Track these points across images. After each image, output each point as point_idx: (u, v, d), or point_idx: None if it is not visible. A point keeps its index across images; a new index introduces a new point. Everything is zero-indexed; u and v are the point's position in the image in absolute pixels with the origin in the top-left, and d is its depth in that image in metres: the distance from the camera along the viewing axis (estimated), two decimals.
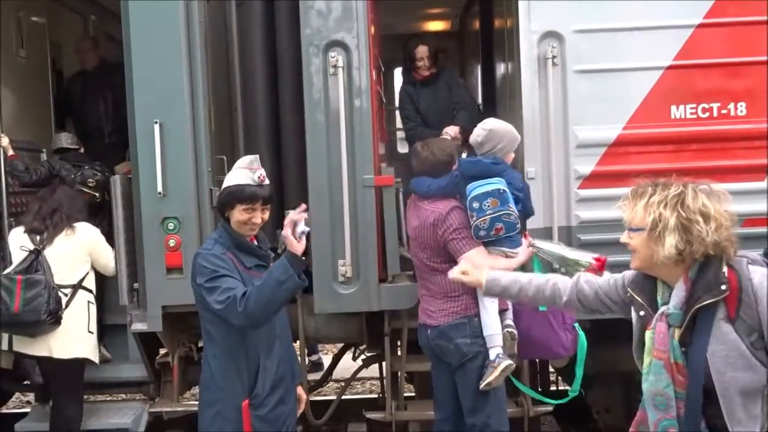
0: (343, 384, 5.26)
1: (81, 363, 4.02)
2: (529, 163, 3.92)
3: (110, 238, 4.18)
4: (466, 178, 3.37)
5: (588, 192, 3.90)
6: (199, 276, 2.63)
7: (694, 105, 3.86)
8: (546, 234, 3.91)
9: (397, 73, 6.50)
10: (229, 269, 2.62)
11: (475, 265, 2.70)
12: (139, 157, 3.94)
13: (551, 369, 5.29)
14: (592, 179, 3.90)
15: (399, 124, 6.74)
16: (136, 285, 4.06)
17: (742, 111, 3.84)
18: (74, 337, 3.94)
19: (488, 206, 3.24)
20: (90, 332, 4.00)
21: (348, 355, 5.15)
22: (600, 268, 2.98)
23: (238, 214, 2.68)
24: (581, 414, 5.24)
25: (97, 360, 4.10)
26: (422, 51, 4.90)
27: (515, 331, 3.42)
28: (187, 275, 3.82)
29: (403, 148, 6.68)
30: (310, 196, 3.97)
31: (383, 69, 5.14)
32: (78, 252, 4.03)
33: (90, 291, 4.07)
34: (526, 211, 3.59)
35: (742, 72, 3.85)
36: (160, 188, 3.88)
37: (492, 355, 3.35)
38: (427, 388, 4.52)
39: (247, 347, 2.69)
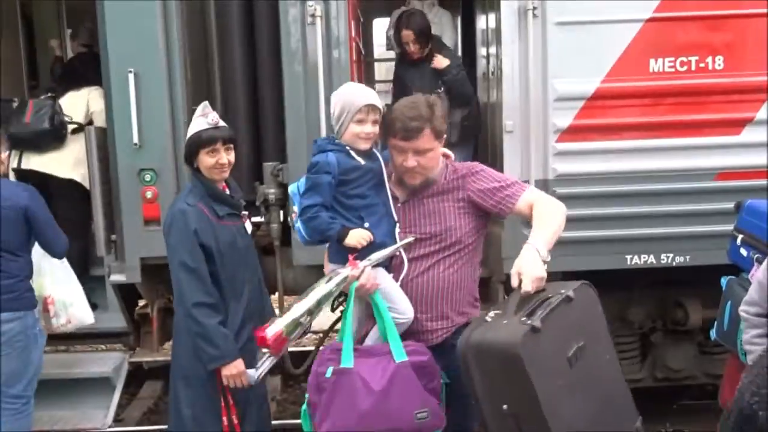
0: (321, 335, 5.33)
1: (78, 189, 4.41)
2: (508, 116, 3.92)
3: None
4: None
5: (565, 145, 3.92)
6: (170, 236, 2.80)
7: (672, 58, 3.86)
8: None
9: (376, 24, 6.40)
10: (199, 224, 2.76)
11: None
12: (114, 107, 3.88)
13: None
14: (570, 132, 3.91)
15: (378, 76, 6.70)
16: (113, 236, 4.04)
17: (719, 65, 3.85)
18: (75, 162, 4.42)
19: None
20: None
21: (326, 308, 5.20)
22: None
23: (204, 160, 2.80)
24: None
25: (87, 184, 4.38)
26: (406, 35, 4.61)
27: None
28: None
29: (382, 100, 6.64)
30: (288, 147, 3.95)
31: (362, 19, 5.06)
32: (80, 101, 4.53)
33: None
34: None
35: (721, 26, 3.84)
36: (135, 139, 3.83)
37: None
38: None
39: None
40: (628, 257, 3.99)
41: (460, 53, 5.77)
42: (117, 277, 4.03)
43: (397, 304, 2.50)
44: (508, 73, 3.91)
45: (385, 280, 2.50)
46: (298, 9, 3.86)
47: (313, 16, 3.83)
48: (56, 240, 3.53)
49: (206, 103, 2.91)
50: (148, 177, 3.89)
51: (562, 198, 3.86)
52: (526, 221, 2.59)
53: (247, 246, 2.99)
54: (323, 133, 3.87)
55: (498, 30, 4.00)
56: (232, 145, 2.87)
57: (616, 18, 3.84)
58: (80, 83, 4.60)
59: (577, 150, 3.93)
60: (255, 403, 3.03)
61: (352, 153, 2.47)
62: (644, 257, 3.99)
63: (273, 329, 2.38)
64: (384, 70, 6.76)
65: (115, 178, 3.94)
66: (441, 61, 4.57)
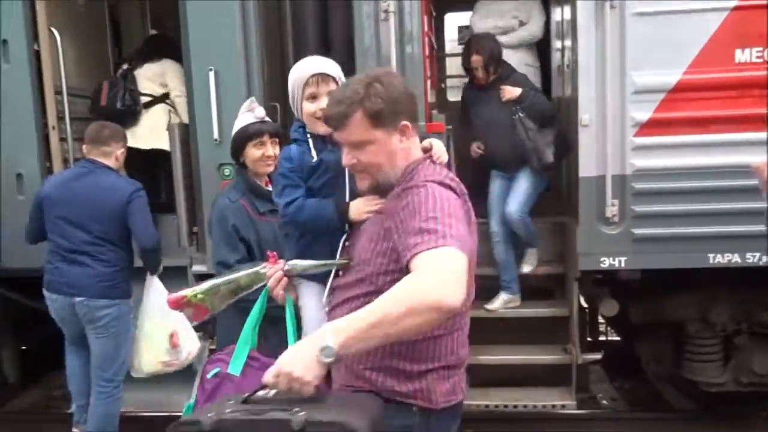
0: None
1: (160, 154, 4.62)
2: (584, 110, 3.84)
3: None
4: None
5: (644, 140, 3.81)
6: (213, 232, 2.89)
7: (760, 48, 3.68)
8: (600, 183, 3.86)
9: (449, 18, 6.37)
10: (236, 218, 2.79)
11: None
12: (196, 104, 4.04)
13: (600, 319, 5.29)
14: (650, 126, 3.80)
15: (449, 71, 6.66)
16: (195, 228, 4.20)
17: None
18: (152, 132, 4.62)
19: None
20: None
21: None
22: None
23: (251, 153, 2.85)
24: (630, 364, 5.25)
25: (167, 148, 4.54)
26: (475, 61, 4.40)
27: None
28: None
29: (453, 96, 6.60)
30: None
31: (434, 14, 5.06)
32: (156, 73, 4.73)
33: (172, 106, 4.72)
34: None
35: None
36: (216, 135, 3.98)
37: None
38: (475, 333, 4.58)
39: None
40: (711, 256, 3.84)
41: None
42: (198, 268, 4.19)
43: (308, 332, 2.03)
44: (584, 66, 3.84)
45: (306, 298, 2.08)
46: (372, 5, 3.90)
47: (386, 11, 3.87)
48: (146, 233, 3.68)
49: (253, 98, 3.02)
50: (227, 171, 4.02)
51: (641, 194, 3.83)
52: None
53: None
54: None
55: (573, 22, 3.93)
56: (277, 140, 2.91)
57: (699, 7, 3.70)
58: (158, 56, 4.81)
59: (656, 144, 3.81)
60: None
61: (310, 143, 2.06)
62: (728, 256, 3.83)
63: (176, 293, 2.18)
64: (456, 66, 6.73)
65: (197, 172, 4.09)
66: (512, 92, 4.31)
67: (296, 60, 4.34)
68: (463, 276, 1.57)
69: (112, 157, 3.71)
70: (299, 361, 1.51)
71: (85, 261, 3.60)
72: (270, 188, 2.94)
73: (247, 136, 2.84)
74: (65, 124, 4.53)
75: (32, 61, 4.27)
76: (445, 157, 1.90)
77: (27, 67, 4.25)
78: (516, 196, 4.40)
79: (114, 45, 5.66)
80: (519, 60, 4.82)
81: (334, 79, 2.01)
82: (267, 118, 2.93)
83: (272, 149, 2.86)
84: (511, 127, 4.30)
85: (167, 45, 4.83)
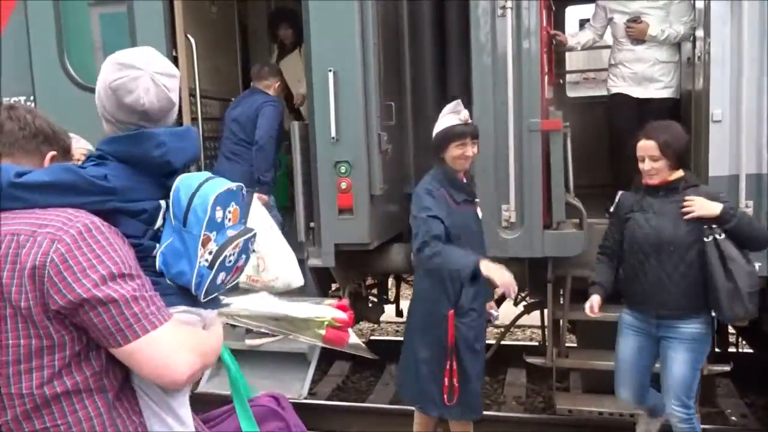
0: (502, 329, 5.32)
1: None
2: (716, 104, 3.60)
3: None
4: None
5: None
6: (414, 207, 3.18)
7: None
8: (732, 183, 3.61)
9: (570, 11, 6.17)
10: (438, 207, 3.09)
11: None
12: (315, 104, 4.17)
13: (731, 330, 4.94)
14: None
15: (569, 65, 6.44)
16: (312, 224, 4.36)
17: None
18: None
19: (231, 221, 1.69)
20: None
21: (508, 301, 5.17)
22: (350, 321, 2.02)
23: (452, 151, 3.19)
24: (764, 378, 4.86)
25: None
26: (645, 148, 3.03)
27: None
28: (357, 216, 4.11)
29: (572, 92, 6.39)
30: None
31: (554, 8, 4.92)
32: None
33: None
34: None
35: None
36: (333, 133, 4.10)
37: None
38: (589, 337, 4.44)
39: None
40: None
41: None
42: (314, 261, 4.34)
43: None
44: (718, 58, 3.60)
45: None
46: (489, 1, 3.86)
47: (503, 8, 3.82)
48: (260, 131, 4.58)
49: (459, 101, 3.26)
50: (343, 168, 4.14)
51: None
52: None
53: (479, 230, 3.37)
54: (511, 124, 3.85)
55: (706, 11, 3.68)
56: (476, 140, 3.22)
57: None
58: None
59: None
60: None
61: None
62: None
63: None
64: (576, 61, 6.51)
65: (315, 169, 4.24)
66: (706, 207, 2.94)
67: (413, 60, 4.48)
68: None
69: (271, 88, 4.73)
70: None
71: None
72: (465, 181, 3.29)
73: (452, 136, 3.16)
74: (197, 124, 4.85)
75: None
76: None
77: None
78: (676, 384, 3.08)
79: (242, 48, 5.97)
80: (649, 55, 4.39)
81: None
82: (470, 121, 3.21)
83: (471, 149, 3.19)
84: (697, 254, 2.98)
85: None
